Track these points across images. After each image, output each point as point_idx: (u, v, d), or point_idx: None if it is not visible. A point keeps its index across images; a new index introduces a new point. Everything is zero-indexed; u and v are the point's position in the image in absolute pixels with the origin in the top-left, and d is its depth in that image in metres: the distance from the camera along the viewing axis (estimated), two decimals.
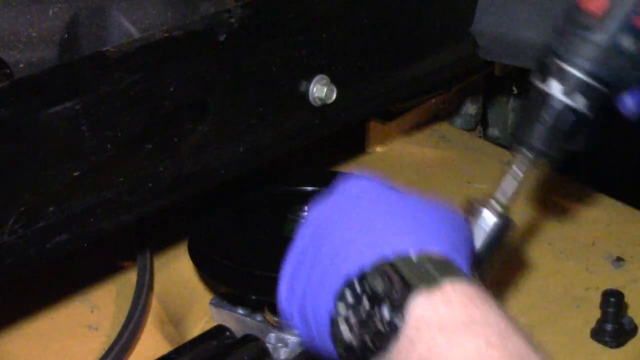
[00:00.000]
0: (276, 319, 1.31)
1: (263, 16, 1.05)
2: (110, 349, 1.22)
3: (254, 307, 1.33)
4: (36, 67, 0.91)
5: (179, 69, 1.00)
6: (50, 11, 0.97)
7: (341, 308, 0.76)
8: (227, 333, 1.29)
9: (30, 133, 0.89)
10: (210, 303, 1.36)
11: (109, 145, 0.95)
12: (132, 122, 0.96)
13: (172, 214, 1.23)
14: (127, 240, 1.31)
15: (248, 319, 1.33)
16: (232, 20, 1.03)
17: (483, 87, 1.75)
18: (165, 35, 0.98)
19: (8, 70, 0.88)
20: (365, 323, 0.74)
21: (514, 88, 1.74)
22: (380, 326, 0.73)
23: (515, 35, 1.29)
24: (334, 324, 0.76)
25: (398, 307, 0.72)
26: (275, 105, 1.11)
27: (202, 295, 1.39)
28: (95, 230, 0.96)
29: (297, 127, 1.14)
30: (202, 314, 1.38)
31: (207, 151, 1.05)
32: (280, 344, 1.29)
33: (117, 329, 1.25)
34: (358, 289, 0.75)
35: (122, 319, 1.27)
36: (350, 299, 0.75)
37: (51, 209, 0.92)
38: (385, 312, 0.73)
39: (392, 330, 0.72)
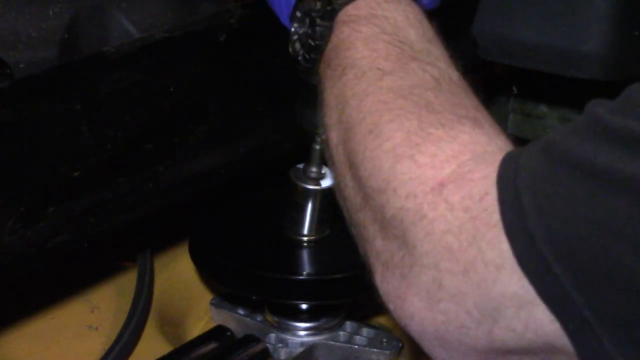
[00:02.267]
0: (276, 319, 1.31)
1: (263, 16, 1.05)
2: (111, 349, 1.22)
3: (254, 307, 1.33)
4: (36, 67, 0.91)
5: (179, 69, 1.00)
6: (50, 11, 0.97)
7: (294, 27, 0.97)
8: (228, 333, 1.29)
9: (30, 133, 0.89)
10: (210, 303, 1.36)
11: (109, 145, 0.95)
12: (132, 122, 0.96)
13: (172, 214, 1.23)
14: (127, 240, 1.31)
15: (248, 319, 1.33)
16: (232, 20, 1.03)
17: (483, 87, 1.75)
18: (165, 35, 0.98)
19: (8, 70, 0.87)
20: (306, 41, 0.96)
21: (514, 88, 1.74)
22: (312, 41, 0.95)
23: (515, 35, 1.29)
24: (290, 40, 0.98)
25: (328, 22, 0.92)
26: (275, 105, 1.11)
27: (202, 295, 1.39)
28: (95, 230, 0.96)
29: (297, 127, 1.14)
30: (202, 314, 1.38)
31: (207, 151, 1.05)
32: (280, 344, 1.29)
33: (117, 329, 1.25)
34: (300, 10, 0.96)
35: (122, 319, 1.27)
36: (298, 21, 0.97)
37: (51, 209, 0.92)
38: (317, 29, 0.94)
39: (322, 38, 0.92)
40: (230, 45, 1.04)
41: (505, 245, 0.69)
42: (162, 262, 1.39)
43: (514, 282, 0.68)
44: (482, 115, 0.81)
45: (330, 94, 0.87)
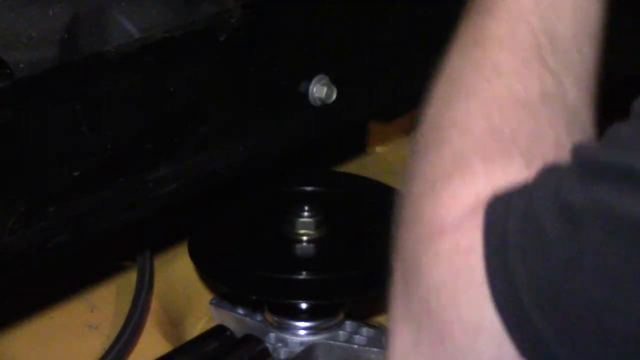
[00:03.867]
0: (276, 318, 1.31)
1: (263, 16, 1.05)
2: (111, 348, 1.22)
3: (254, 307, 1.33)
4: (36, 67, 0.91)
5: (179, 69, 1.00)
6: (50, 11, 0.97)
7: None
8: (227, 333, 1.29)
9: (30, 133, 0.89)
10: (210, 303, 1.36)
11: (109, 145, 0.95)
12: (132, 122, 0.97)
13: (172, 214, 1.23)
14: (127, 240, 1.31)
15: (248, 319, 1.33)
16: (232, 20, 1.03)
17: None
18: (165, 35, 0.98)
19: (8, 70, 0.87)
20: None
21: None
22: None
23: None
24: None
25: None
26: (275, 105, 1.11)
27: (202, 295, 1.40)
28: (95, 230, 0.96)
29: (297, 127, 1.14)
30: (202, 314, 1.38)
31: (207, 151, 1.05)
32: (280, 344, 1.29)
33: (117, 329, 1.25)
34: None
35: (122, 319, 1.27)
36: None
37: (51, 209, 0.92)
38: None
39: None
40: (230, 45, 1.04)
41: (486, 298, 0.63)
42: (162, 262, 1.39)
43: (493, 347, 0.63)
44: (553, 154, 0.70)
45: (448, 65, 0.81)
